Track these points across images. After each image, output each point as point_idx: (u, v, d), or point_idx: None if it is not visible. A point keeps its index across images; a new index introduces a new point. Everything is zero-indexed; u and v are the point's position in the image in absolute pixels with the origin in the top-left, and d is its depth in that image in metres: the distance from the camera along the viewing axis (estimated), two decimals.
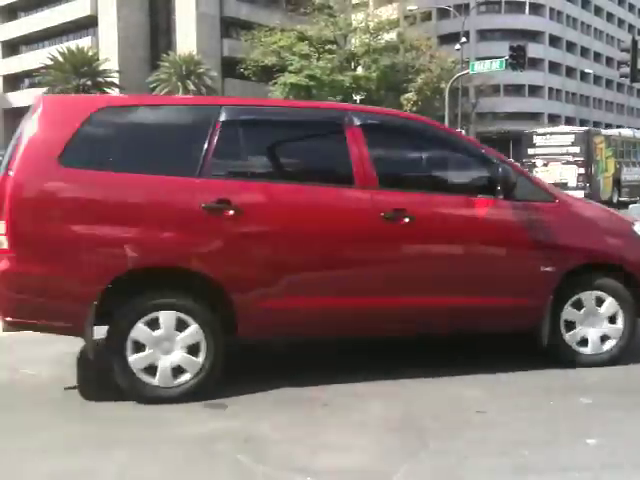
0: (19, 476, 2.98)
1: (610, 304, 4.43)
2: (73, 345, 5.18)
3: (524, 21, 75.50)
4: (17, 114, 62.01)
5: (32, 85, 57.06)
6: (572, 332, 4.41)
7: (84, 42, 53.29)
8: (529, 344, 4.58)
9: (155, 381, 3.75)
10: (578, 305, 4.42)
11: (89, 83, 46.91)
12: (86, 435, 3.41)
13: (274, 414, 3.70)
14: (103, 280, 3.63)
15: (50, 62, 48.81)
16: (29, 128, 3.77)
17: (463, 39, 40.57)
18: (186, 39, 54.81)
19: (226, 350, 3.93)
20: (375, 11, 57.64)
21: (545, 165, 21.38)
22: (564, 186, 18.74)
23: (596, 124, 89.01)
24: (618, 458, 3.12)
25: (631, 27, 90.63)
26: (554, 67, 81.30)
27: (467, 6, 57.74)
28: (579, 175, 20.87)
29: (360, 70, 57.56)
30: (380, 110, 5.17)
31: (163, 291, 3.81)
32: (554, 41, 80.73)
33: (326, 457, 3.17)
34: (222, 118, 3.95)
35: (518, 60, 30.05)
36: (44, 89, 48.52)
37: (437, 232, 4.17)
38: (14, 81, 65.23)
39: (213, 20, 56.15)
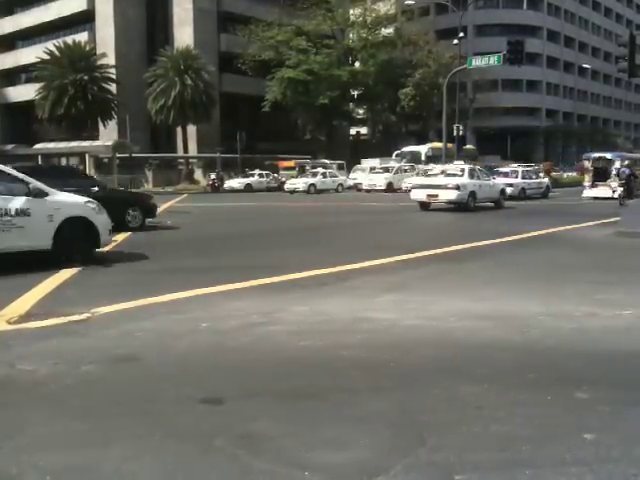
0: (18, 473, 2.98)
1: None
2: (71, 341, 5.19)
3: (522, 16, 75.38)
4: (14, 109, 61.94)
5: (29, 80, 56.87)
6: None
7: (81, 37, 53.11)
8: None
9: None
10: None
11: (86, 78, 46.70)
12: (84, 431, 3.41)
13: (271, 410, 3.70)
14: None
15: (47, 57, 48.61)
16: None
17: (461, 34, 40.51)
18: (183, 34, 54.71)
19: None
20: (372, 6, 57.52)
21: None
22: None
23: (594, 119, 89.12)
24: (615, 453, 3.13)
25: (629, 22, 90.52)
26: (552, 62, 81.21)
27: (465, 1, 57.60)
28: None
29: (358, 65, 57.50)
30: None
31: None
32: (552, 36, 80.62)
33: (324, 452, 3.16)
34: None
35: (516, 55, 30.11)
36: (41, 84, 48.35)
37: None
38: (11, 76, 65.00)
39: (210, 15, 56.02)
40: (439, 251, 10.75)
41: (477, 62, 34.12)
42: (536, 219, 17.76)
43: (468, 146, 51.23)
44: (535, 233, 13.48)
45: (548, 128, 77.46)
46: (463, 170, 21.66)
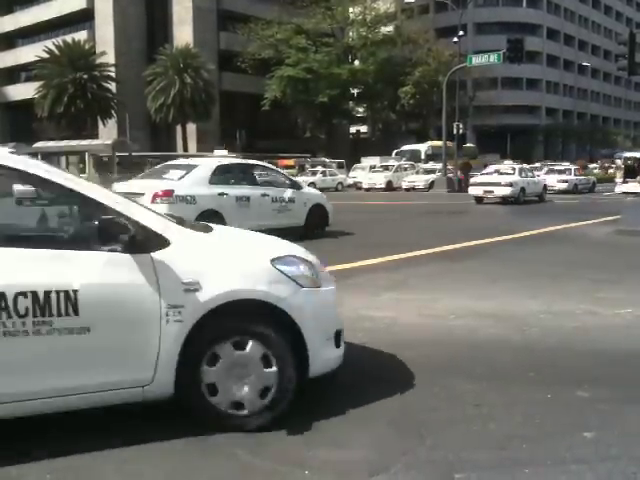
0: (18, 473, 2.98)
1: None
2: None
3: (522, 14, 75.27)
4: (14, 107, 61.92)
5: (29, 79, 56.82)
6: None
7: (80, 35, 53.05)
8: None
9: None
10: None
11: (85, 77, 46.66)
12: (85, 431, 3.41)
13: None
14: None
15: (46, 55, 48.56)
16: None
17: (461, 32, 40.43)
18: (183, 32, 54.64)
19: None
20: (372, 4, 57.45)
21: None
22: None
23: (593, 117, 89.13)
24: (615, 451, 3.13)
25: (629, 20, 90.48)
26: (552, 60, 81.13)
27: None
28: None
29: (357, 63, 57.47)
30: None
31: None
32: (552, 34, 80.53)
33: (323, 451, 3.17)
34: None
35: (516, 53, 30.04)
36: (41, 82, 48.33)
37: None
38: (11, 74, 64.96)
39: (210, 13, 55.95)
40: (444, 248, 10.75)
41: (477, 60, 34.07)
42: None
43: (468, 144, 51.23)
44: (543, 230, 13.52)
45: (548, 126, 77.45)
46: (514, 169, 25.22)
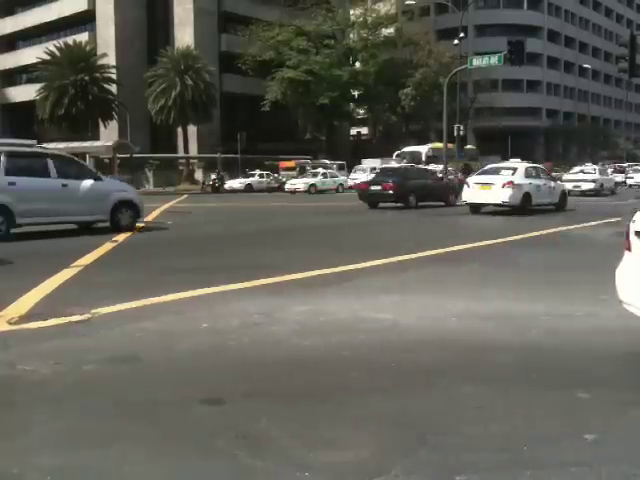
0: (19, 473, 2.98)
1: None
2: (72, 341, 5.19)
3: (522, 16, 75.35)
4: (15, 109, 61.99)
5: (29, 80, 56.90)
6: None
7: (81, 37, 53.15)
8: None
9: None
10: None
11: (86, 78, 46.71)
12: (85, 431, 3.41)
13: (272, 410, 3.70)
14: None
15: (47, 57, 48.63)
16: None
17: (461, 34, 40.47)
18: (184, 34, 54.74)
19: None
20: (373, 6, 57.55)
21: None
22: None
23: (594, 119, 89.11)
24: (616, 453, 3.13)
25: (629, 22, 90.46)
26: (552, 62, 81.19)
27: (465, 1, 57.61)
28: None
29: (358, 65, 57.54)
30: None
31: None
32: (552, 36, 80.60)
33: (324, 453, 3.16)
34: None
35: (516, 55, 30.04)
36: (42, 84, 48.40)
37: None
38: (12, 76, 65.07)
39: (211, 15, 56.05)
40: (442, 250, 10.76)
41: (478, 62, 34.06)
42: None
43: (469, 146, 51.26)
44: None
45: (548, 128, 77.48)
46: (595, 169, 33.28)
